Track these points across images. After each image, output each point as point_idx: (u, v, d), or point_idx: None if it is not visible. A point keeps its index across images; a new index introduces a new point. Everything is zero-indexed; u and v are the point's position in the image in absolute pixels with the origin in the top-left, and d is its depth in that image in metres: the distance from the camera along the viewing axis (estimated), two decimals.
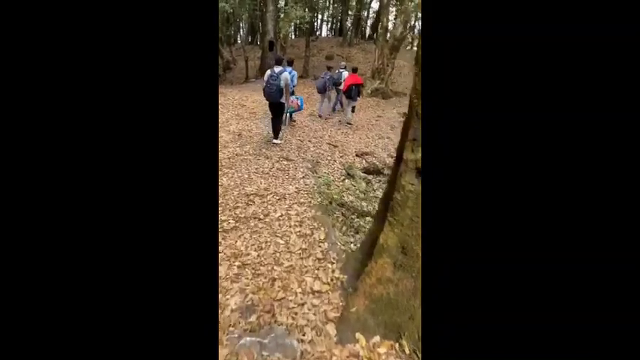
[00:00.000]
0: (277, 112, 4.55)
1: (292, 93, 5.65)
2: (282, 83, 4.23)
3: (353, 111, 6.86)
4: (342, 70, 7.15)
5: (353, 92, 6.35)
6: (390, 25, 10.06)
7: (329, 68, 7.20)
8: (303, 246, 2.28)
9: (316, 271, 2.00)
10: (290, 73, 5.54)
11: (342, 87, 6.83)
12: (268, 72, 4.29)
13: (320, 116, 6.93)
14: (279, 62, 4.44)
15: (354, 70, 6.65)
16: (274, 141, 4.74)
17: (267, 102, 4.52)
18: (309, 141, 5.11)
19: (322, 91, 6.92)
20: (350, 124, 6.58)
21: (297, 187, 3.35)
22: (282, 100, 4.40)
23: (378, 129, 6.46)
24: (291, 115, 5.86)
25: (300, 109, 5.70)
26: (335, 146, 4.98)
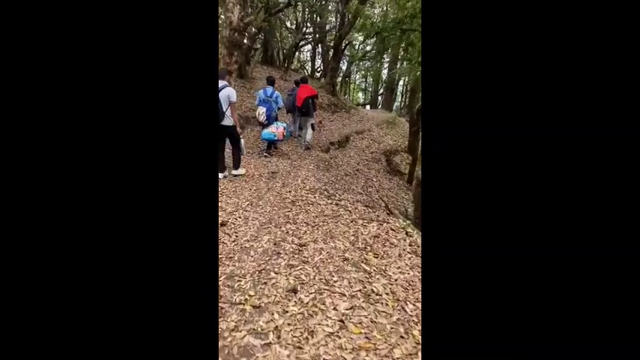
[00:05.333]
0: (228, 137, 3.86)
1: (276, 119, 4.97)
2: (223, 102, 3.54)
3: (313, 129, 5.76)
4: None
5: (309, 107, 5.22)
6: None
7: (297, 83, 5.95)
8: None
9: None
10: (272, 94, 4.79)
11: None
12: None
13: (292, 135, 6.01)
14: (223, 77, 3.77)
15: (304, 81, 5.53)
16: (234, 172, 4.07)
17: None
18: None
19: (292, 109, 5.95)
20: (309, 148, 5.61)
21: None
22: (228, 123, 3.68)
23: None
24: (275, 144, 5.18)
25: (284, 138, 4.99)
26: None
